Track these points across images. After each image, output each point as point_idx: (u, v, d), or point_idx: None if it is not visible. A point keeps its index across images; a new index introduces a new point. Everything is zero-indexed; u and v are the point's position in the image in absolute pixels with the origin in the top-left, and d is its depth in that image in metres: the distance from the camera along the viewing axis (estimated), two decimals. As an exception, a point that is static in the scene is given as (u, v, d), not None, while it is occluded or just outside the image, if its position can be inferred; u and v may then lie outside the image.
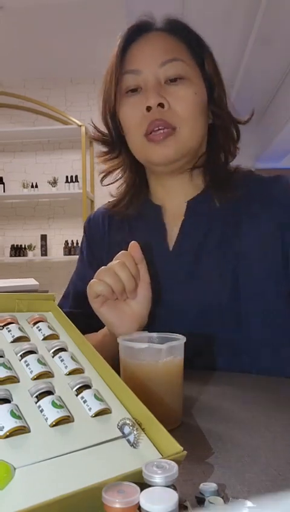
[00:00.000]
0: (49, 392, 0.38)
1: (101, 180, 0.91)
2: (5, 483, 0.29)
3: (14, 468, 0.30)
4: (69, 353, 0.45)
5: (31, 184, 4.30)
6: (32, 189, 4.29)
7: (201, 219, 0.83)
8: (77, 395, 0.40)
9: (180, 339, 0.52)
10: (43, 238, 4.32)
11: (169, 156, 0.77)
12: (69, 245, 4.24)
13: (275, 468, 0.40)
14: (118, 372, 0.45)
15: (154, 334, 0.56)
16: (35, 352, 0.44)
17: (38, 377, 0.41)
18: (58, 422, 0.35)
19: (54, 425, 0.35)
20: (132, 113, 0.78)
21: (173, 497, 0.27)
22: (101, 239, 0.93)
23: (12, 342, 0.45)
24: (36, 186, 4.29)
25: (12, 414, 0.34)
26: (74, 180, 4.22)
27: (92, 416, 0.38)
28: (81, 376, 0.43)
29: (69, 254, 4.20)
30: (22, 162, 4.45)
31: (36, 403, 0.37)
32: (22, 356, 0.43)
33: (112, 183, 0.92)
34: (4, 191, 4.28)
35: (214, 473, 0.40)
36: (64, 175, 4.27)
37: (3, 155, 4.47)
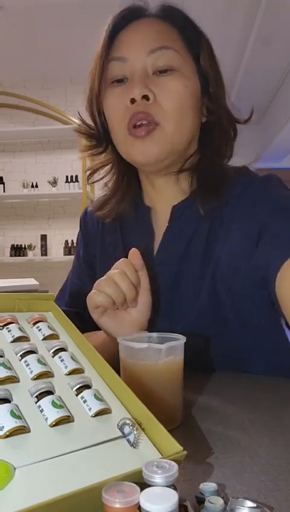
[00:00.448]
0: (49, 392, 0.38)
1: (88, 178, 0.86)
2: (5, 483, 0.29)
3: (14, 468, 0.30)
4: (69, 353, 0.45)
5: (31, 184, 4.30)
6: (32, 189, 4.29)
7: (185, 225, 0.79)
8: (77, 395, 0.40)
9: (180, 339, 0.52)
10: (43, 238, 4.32)
11: (152, 155, 0.71)
12: (69, 245, 4.24)
13: (275, 468, 0.40)
14: (118, 372, 0.45)
15: (154, 334, 0.56)
16: (35, 352, 0.44)
17: (38, 377, 0.41)
18: (58, 422, 0.35)
19: (54, 425, 0.35)
20: (116, 105, 0.72)
21: (173, 497, 0.27)
22: (95, 235, 0.91)
23: (12, 342, 0.45)
24: (36, 186, 4.30)
25: (12, 414, 0.34)
26: (74, 180, 4.22)
27: (92, 416, 0.38)
28: (81, 376, 0.43)
29: (69, 254, 4.20)
30: (22, 162, 4.45)
31: (36, 402, 0.37)
32: (22, 356, 0.43)
33: (96, 181, 0.87)
34: (4, 191, 4.28)
35: (214, 473, 0.40)
36: (64, 175, 4.27)
37: (3, 155, 4.47)
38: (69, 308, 0.87)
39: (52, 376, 0.42)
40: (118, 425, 0.37)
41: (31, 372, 0.41)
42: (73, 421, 0.37)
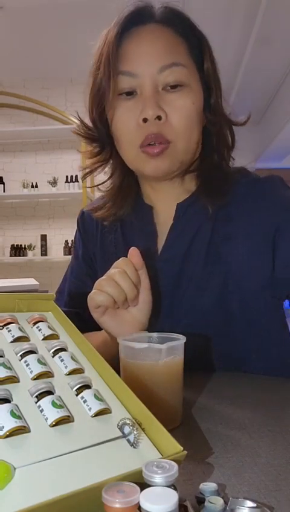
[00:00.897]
0: (49, 392, 0.38)
1: (83, 178, 0.87)
2: (5, 483, 0.29)
3: (14, 468, 0.30)
4: (69, 353, 0.45)
5: (31, 184, 4.30)
6: (32, 189, 4.28)
7: (191, 222, 0.80)
8: (77, 395, 0.40)
9: (181, 339, 0.52)
10: (43, 238, 4.32)
11: (163, 170, 0.75)
12: (69, 245, 4.24)
13: (275, 468, 0.40)
14: (118, 372, 0.45)
15: (155, 334, 0.56)
16: (35, 352, 0.44)
17: (38, 376, 0.41)
18: (58, 422, 0.35)
19: (54, 425, 0.35)
20: (126, 120, 0.73)
21: (173, 497, 0.27)
22: (94, 234, 0.91)
23: (12, 341, 0.45)
24: (36, 186, 4.30)
25: (12, 414, 0.34)
26: (73, 180, 4.22)
27: (92, 416, 0.38)
28: (81, 376, 0.43)
29: (69, 254, 4.20)
30: (22, 162, 4.45)
31: (36, 402, 0.37)
32: (22, 356, 0.43)
33: (98, 185, 0.89)
34: (4, 191, 4.28)
35: (214, 473, 0.40)
36: (64, 175, 4.27)
37: (3, 155, 4.47)
38: (69, 308, 0.87)
39: (52, 376, 0.42)
40: (118, 425, 0.37)
41: (31, 372, 0.41)
42: (73, 421, 0.37)
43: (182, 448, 0.34)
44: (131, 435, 0.36)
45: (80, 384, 0.41)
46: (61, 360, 0.44)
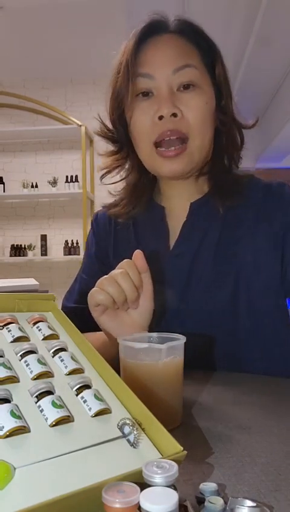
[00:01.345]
0: (49, 392, 0.38)
1: (101, 178, 0.91)
2: (5, 483, 0.29)
3: (14, 468, 0.30)
4: (69, 353, 0.45)
5: (31, 184, 4.30)
6: (32, 189, 4.28)
7: (203, 221, 0.83)
8: (77, 395, 0.40)
9: (181, 339, 0.52)
10: (43, 238, 4.31)
11: (178, 171, 0.78)
12: (69, 245, 4.24)
13: (275, 468, 0.40)
14: (118, 372, 0.45)
15: (155, 334, 0.56)
16: (35, 352, 0.44)
17: (38, 377, 0.41)
18: (58, 422, 0.35)
19: (54, 425, 0.35)
20: (143, 119, 0.77)
21: (173, 497, 0.27)
22: (107, 234, 0.93)
23: (12, 342, 0.45)
24: (36, 186, 4.29)
25: (12, 414, 0.34)
26: (73, 180, 4.22)
27: (92, 416, 0.38)
28: (81, 376, 0.43)
29: (69, 254, 4.20)
30: (22, 162, 4.45)
31: (36, 402, 0.37)
32: (22, 356, 0.43)
33: (114, 183, 0.91)
34: (4, 191, 4.27)
35: (214, 473, 0.40)
36: (64, 175, 4.27)
37: (3, 155, 4.47)
38: (79, 305, 0.88)
39: (52, 376, 0.42)
40: (118, 425, 0.37)
41: (31, 372, 0.41)
42: (73, 421, 0.37)
43: (182, 448, 0.34)
44: (131, 435, 0.36)
45: (80, 384, 0.41)
46: (61, 360, 0.44)
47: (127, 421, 0.37)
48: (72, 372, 0.43)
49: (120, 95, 0.78)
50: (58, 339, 0.49)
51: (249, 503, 0.31)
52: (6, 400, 0.36)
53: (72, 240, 4.25)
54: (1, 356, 0.42)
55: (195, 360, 0.74)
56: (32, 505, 0.27)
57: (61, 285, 4.07)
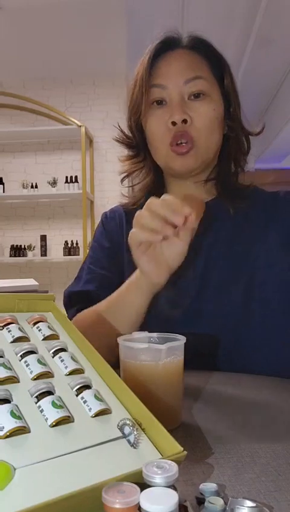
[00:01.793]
0: (49, 392, 0.38)
1: (122, 181, 1.00)
2: (5, 483, 0.29)
3: (14, 468, 0.30)
4: (69, 353, 0.45)
5: (30, 184, 4.30)
6: (32, 189, 4.28)
7: (214, 221, 0.86)
8: (77, 395, 0.40)
9: (181, 339, 0.52)
10: (43, 238, 4.31)
11: (189, 166, 0.84)
12: (69, 245, 4.24)
13: (275, 469, 0.40)
14: (118, 372, 0.45)
15: (155, 334, 0.56)
16: (35, 353, 0.44)
17: (38, 377, 0.41)
18: (58, 423, 0.35)
19: (54, 426, 0.35)
20: (158, 125, 0.85)
21: (173, 497, 0.27)
22: (119, 228, 0.96)
23: (12, 342, 0.45)
24: (36, 187, 4.29)
25: (12, 414, 0.34)
26: (73, 180, 4.22)
27: (92, 417, 0.38)
28: (81, 376, 0.43)
29: (69, 254, 4.20)
30: (21, 162, 4.45)
31: (36, 403, 0.37)
32: (22, 356, 0.43)
33: (133, 186, 1.00)
34: (4, 191, 4.27)
35: (214, 473, 0.40)
36: (64, 175, 4.27)
37: (3, 155, 4.47)
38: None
39: (52, 376, 0.42)
40: (118, 425, 0.37)
41: (31, 372, 0.41)
42: (73, 421, 0.37)
43: (182, 448, 0.34)
44: (131, 435, 0.36)
45: (80, 385, 0.41)
46: (62, 361, 0.44)
47: (127, 422, 0.37)
48: (72, 373, 0.43)
49: (137, 103, 0.86)
50: (58, 339, 0.49)
51: (249, 503, 0.31)
52: (6, 400, 0.36)
53: (71, 241, 4.25)
54: (1, 356, 0.42)
55: (200, 359, 0.75)
56: (32, 505, 0.27)
57: (61, 285, 4.07)
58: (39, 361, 0.42)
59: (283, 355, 0.81)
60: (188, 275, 0.82)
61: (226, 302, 0.82)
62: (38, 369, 0.41)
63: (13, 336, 0.46)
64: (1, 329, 0.47)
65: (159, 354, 0.50)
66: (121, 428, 0.37)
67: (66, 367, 0.43)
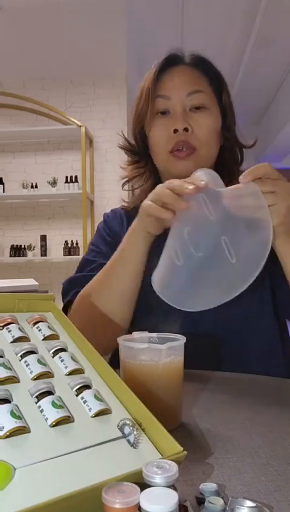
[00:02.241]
0: (49, 392, 0.38)
1: (123, 185, 1.04)
2: (5, 483, 0.29)
3: (14, 468, 0.30)
4: (69, 353, 0.45)
5: (30, 184, 4.30)
6: (32, 189, 4.28)
7: None
8: (77, 395, 0.40)
9: (181, 339, 0.52)
10: (43, 238, 4.31)
11: (189, 169, 0.85)
12: (69, 245, 4.23)
13: (274, 469, 0.40)
14: (118, 372, 0.45)
15: (155, 334, 0.56)
16: (35, 353, 0.44)
17: (39, 377, 0.41)
18: (58, 423, 0.35)
19: (54, 426, 0.35)
20: (161, 133, 0.90)
21: (173, 497, 0.27)
22: (120, 226, 0.99)
23: (12, 342, 0.45)
24: (36, 187, 4.29)
25: (12, 414, 0.34)
26: (73, 180, 4.22)
27: (92, 417, 0.38)
28: (81, 376, 0.43)
29: (69, 254, 4.20)
30: (21, 162, 4.45)
31: (36, 403, 0.37)
32: (22, 356, 0.43)
33: (133, 189, 1.05)
34: (4, 191, 4.27)
35: (214, 473, 0.40)
36: (64, 175, 4.27)
37: (3, 155, 4.47)
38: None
39: (52, 376, 0.42)
40: (118, 425, 0.37)
41: (31, 372, 0.41)
42: (73, 421, 0.37)
43: (182, 448, 0.34)
44: (131, 435, 0.36)
45: (80, 385, 0.41)
46: (62, 361, 0.44)
47: (127, 422, 0.37)
48: (72, 373, 0.43)
49: (142, 113, 0.92)
50: (58, 339, 0.49)
51: (249, 503, 0.31)
52: (7, 400, 0.36)
53: (71, 241, 4.25)
54: (1, 356, 0.42)
55: (200, 359, 0.75)
56: (32, 505, 0.27)
57: (60, 285, 4.05)
58: (39, 361, 0.42)
59: (283, 356, 0.82)
60: None
61: (227, 302, 0.82)
62: (38, 369, 0.41)
63: (13, 336, 0.46)
64: (1, 329, 0.47)
65: (159, 354, 0.50)
66: (121, 428, 0.37)
67: (66, 367, 0.43)
